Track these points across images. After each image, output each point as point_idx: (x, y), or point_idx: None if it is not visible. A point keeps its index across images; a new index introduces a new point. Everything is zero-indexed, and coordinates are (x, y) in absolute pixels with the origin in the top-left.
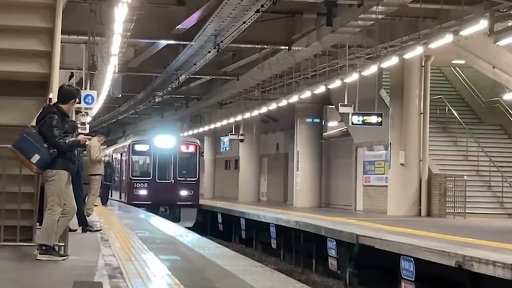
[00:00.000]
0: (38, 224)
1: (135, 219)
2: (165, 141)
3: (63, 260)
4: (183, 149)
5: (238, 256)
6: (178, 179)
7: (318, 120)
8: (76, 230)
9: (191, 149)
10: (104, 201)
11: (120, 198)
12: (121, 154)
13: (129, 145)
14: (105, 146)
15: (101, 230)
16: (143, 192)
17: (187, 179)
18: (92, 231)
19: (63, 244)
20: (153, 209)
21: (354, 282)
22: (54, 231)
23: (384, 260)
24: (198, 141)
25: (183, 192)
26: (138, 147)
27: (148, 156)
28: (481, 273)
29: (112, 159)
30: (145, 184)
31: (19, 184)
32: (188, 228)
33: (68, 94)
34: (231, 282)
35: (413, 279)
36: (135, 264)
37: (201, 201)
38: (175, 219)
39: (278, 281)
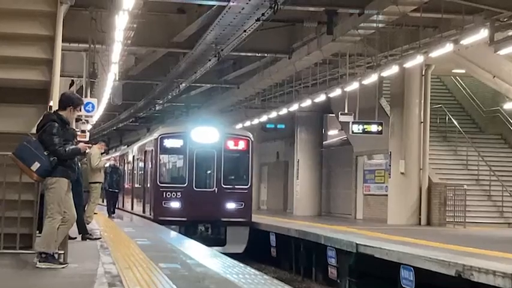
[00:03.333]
0: (37, 231)
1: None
2: (205, 134)
3: (63, 267)
4: (231, 145)
5: None
6: (224, 186)
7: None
8: (76, 237)
9: (241, 145)
10: (110, 211)
11: (143, 212)
12: (144, 153)
13: (156, 140)
14: (106, 154)
15: (100, 238)
16: (175, 204)
17: (236, 186)
18: (92, 239)
19: (62, 252)
20: (189, 228)
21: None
22: (54, 239)
23: (384, 269)
24: (251, 135)
25: (231, 205)
26: (168, 143)
27: (182, 155)
28: (481, 282)
29: (126, 161)
30: (178, 194)
31: (19, 192)
32: (237, 254)
33: (66, 100)
34: None
35: None
36: (134, 272)
37: None
38: (220, 241)
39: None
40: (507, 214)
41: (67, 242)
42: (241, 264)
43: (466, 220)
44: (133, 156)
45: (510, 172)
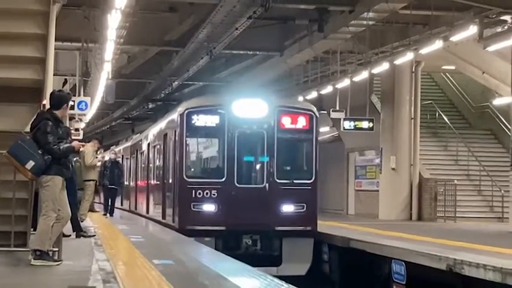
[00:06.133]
0: (32, 229)
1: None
2: (251, 108)
3: (57, 265)
4: (287, 122)
5: None
6: (278, 181)
7: None
8: (70, 235)
9: (302, 122)
10: (108, 210)
11: (163, 218)
12: (164, 138)
13: (181, 117)
14: (102, 151)
15: (94, 235)
16: (209, 208)
17: (295, 181)
18: (86, 236)
19: (57, 249)
20: (229, 241)
21: (346, 285)
22: (48, 236)
23: (376, 264)
24: (314, 108)
25: (287, 207)
26: (198, 121)
27: (218, 138)
28: (471, 276)
29: (139, 152)
30: (214, 192)
31: (13, 190)
32: (298, 276)
33: (59, 99)
34: (223, 286)
35: (404, 283)
36: (128, 269)
37: None
38: (273, 260)
39: (269, 283)
40: (497, 209)
41: (61, 239)
42: (233, 259)
43: (457, 215)
44: (149, 144)
45: (500, 167)
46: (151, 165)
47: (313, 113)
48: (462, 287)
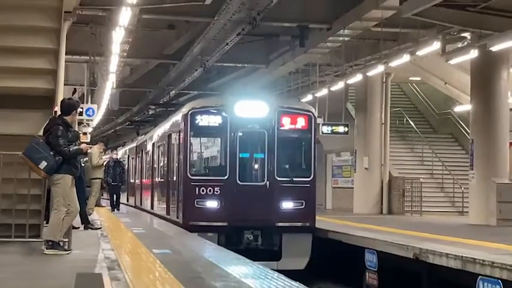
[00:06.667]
0: (45, 222)
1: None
2: (253, 109)
3: (67, 254)
4: (287, 122)
5: None
6: (278, 179)
7: None
8: (79, 227)
9: (300, 123)
10: (113, 206)
11: (168, 214)
12: (168, 137)
13: (186, 117)
14: (109, 151)
15: (101, 228)
16: (212, 204)
17: (295, 179)
18: (93, 228)
19: (67, 240)
20: (231, 236)
21: (324, 273)
22: (59, 228)
23: (351, 253)
24: (313, 109)
25: (287, 204)
26: (202, 121)
27: (220, 138)
28: (435, 263)
29: (144, 151)
30: (217, 190)
31: (28, 187)
32: (296, 271)
33: (69, 106)
34: (216, 273)
35: (376, 270)
36: (131, 257)
37: None
38: (273, 255)
39: (256, 270)
40: (458, 204)
41: (71, 231)
42: (225, 250)
43: (422, 209)
44: (154, 144)
45: (460, 167)
46: (156, 163)
47: (312, 113)
48: (427, 274)
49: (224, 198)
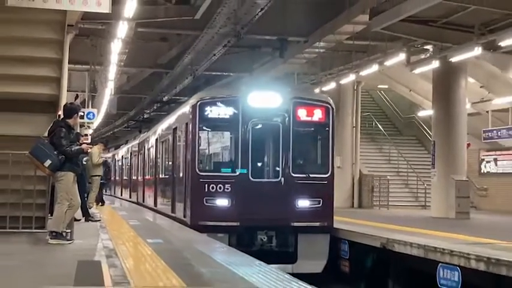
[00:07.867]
0: (49, 215)
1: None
2: (266, 100)
3: (70, 243)
4: (303, 115)
5: None
6: (294, 175)
7: None
8: (80, 219)
9: (317, 115)
10: (99, 200)
11: (173, 212)
12: (174, 131)
13: (194, 108)
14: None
15: (100, 220)
16: (223, 202)
17: (312, 175)
18: (93, 221)
19: (69, 231)
20: (243, 237)
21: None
22: (62, 220)
23: None
24: (331, 101)
25: (303, 203)
26: (211, 112)
27: (231, 131)
28: (400, 252)
29: (147, 147)
30: (227, 187)
31: (34, 183)
32: (313, 274)
33: (71, 110)
34: (204, 261)
35: (347, 258)
36: (127, 246)
37: None
38: (288, 257)
39: (242, 258)
40: (421, 198)
41: (73, 223)
42: (214, 240)
43: (389, 203)
44: (157, 139)
45: (423, 166)
46: (158, 159)
47: (330, 105)
48: (393, 261)
49: (235, 196)
